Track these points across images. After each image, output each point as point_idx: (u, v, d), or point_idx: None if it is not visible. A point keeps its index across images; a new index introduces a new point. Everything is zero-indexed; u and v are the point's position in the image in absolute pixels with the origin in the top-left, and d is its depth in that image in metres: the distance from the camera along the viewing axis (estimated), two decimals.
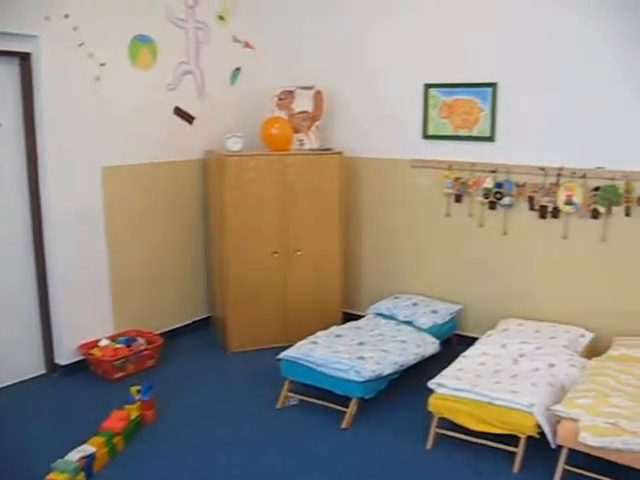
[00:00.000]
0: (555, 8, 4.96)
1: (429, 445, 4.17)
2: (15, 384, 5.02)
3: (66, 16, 4.80)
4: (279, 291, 5.78)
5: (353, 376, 4.38)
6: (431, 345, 5.03)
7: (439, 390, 4.16)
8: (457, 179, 5.54)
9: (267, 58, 6.37)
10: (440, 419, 4.17)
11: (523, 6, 5.09)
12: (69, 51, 4.87)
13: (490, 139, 5.38)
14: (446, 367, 4.43)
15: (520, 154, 5.25)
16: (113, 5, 5.12)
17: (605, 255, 5.04)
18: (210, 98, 6.01)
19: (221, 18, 6.00)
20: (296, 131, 5.87)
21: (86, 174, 5.15)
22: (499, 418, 3.92)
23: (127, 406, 4.40)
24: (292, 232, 5.71)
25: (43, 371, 5.23)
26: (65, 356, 5.22)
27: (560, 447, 3.74)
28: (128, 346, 5.30)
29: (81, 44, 4.92)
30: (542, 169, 5.13)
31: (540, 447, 3.89)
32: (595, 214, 4.99)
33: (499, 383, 4.12)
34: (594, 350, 4.88)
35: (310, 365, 4.59)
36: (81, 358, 5.25)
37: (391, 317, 5.47)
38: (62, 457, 3.83)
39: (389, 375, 4.57)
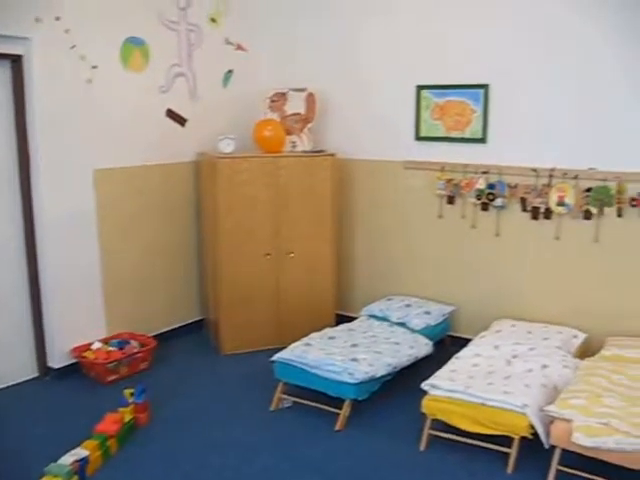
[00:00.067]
0: (548, 10, 4.97)
1: (422, 447, 4.18)
2: (7, 387, 5.00)
3: (57, 18, 4.79)
4: (272, 293, 5.77)
5: (346, 378, 4.38)
6: (424, 346, 5.03)
7: (432, 391, 4.17)
8: (449, 180, 5.55)
9: (259, 60, 6.37)
10: (433, 420, 4.17)
11: (516, 8, 5.11)
12: (61, 53, 4.86)
13: (482, 140, 5.40)
14: (439, 368, 4.43)
15: (512, 155, 5.26)
16: (105, 7, 5.12)
17: (597, 256, 5.06)
18: (202, 100, 6.00)
19: (213, 20, 5.99)
20: (288, 133, 5.87)
21: (78, 176, 5.13)
22: (492, 419, 3.93)
23: (120, 409, 4.39)
24: (285, 234, 5.71)
25: (36, 374, 5.22)
26: (58, 359, 5.21)
27: (553, 447, 3.75)
28: (121, 349, 5.29)
29: (73, 46, 4.91)
30: (534, 170, 5.15)
31: (533, 448, 3.90)
32: (587, 215, 5.00)
33: (492, 384, 4.13)
34: (587, 350, 4.90)
35: (303, 367, 4.59)
36: (74, 361, 5.24)
37: (384, 319, 5.48)
38: (55, 461, 3.82)
39: (382, 377, 4.58)
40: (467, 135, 5.47)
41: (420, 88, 5.62)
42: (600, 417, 3.59)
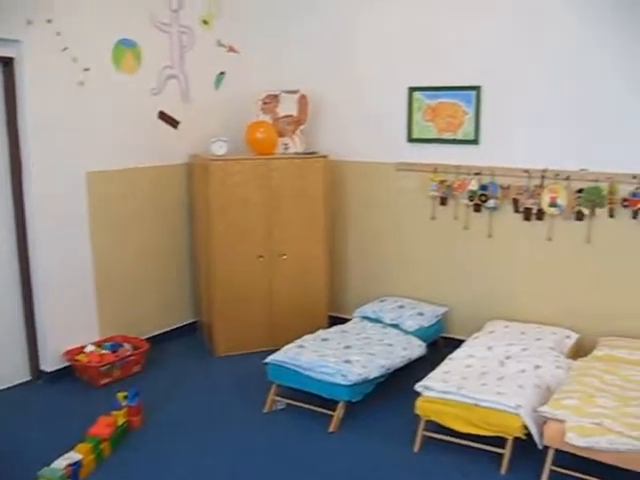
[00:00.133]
0: (541, 11, 4.99)
1: (416, 448, 4.18)
2: (0, 391, 4.99)
3: (49, 21, 4.78)
4: (265, 295, 5.77)
5: (340, 380, 4.38)
6: (417, 348, 5.03)
7: (426, 393, 4.17)
8: (442, 182, 5.56)
9: (251, 62, 6.36)
10: (427, 422, 4.18)
11: (508, 10, 5.12)
12: (53, 56, 4.85)
13: (474, 142, 5.41)
14: (433, 370, 4.44)
15: (504, 157, 5.28)
16: (96, 10, 5.11)
17: (589, 256, 5.07)
18: (194, 102, 6.00)
19: (205, 22, 5.99)
20: (281, 135, 5.87)
21: (70, 179, 5.12)
22: (486, 420, 3.93)
23: (114, 412, 4.38)
24: (277, 236, 5.71)
25: (28, 378, 5.19)
26: (50, 362, 5.19)
27: (547, 448, 3.76)
28: (114, 352, 5.28)
29: (65, 49, 4.90)
30: (526, 171, 5.16)
31: (527, 448, 3.91)
32: (579, 216, 5.02)
33: (486, 385, 4.13)
34: (579, 351, 4.92)
35: (297, 369, 4.58)
36: (67, 364, 5.22)
37: (377, 320, 5.48)
38: (48, 465, 3.81)
39: (376, 378, 4.58)
40: (459, 137, 5.48)
41: (412, 90, 5.62)
42: (593, 417, 3.61)
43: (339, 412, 4.46)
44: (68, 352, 5.21)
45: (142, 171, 5.64)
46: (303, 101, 5.92)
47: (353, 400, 4.47)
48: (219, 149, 5.54)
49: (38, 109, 4.84)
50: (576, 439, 3.52)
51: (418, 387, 4.22)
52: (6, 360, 5.05)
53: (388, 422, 4.54)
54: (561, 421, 3.64)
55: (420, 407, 4.17)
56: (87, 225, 5.28)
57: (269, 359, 4.75)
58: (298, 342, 4.96)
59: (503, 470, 3.90)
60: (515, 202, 5.28)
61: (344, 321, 5.69)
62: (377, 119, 5.86)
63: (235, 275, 5.63)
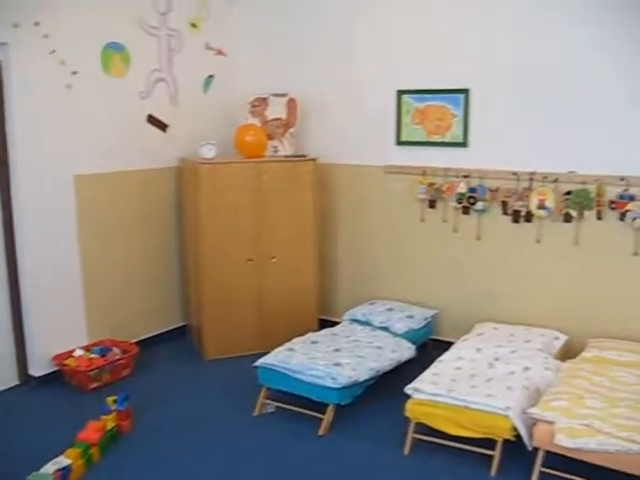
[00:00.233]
0: (528, 14, 5.01)
1: (406, 450, 4.18)
2: None
3: (36, 24, 4.76)
4: (255, 298, 5.76)
5: (330, 383, 4.38)
6: (407, 350, 5.04)
7: (416, 395, 4.17)
8: (431, 185, 5.57)
9: (240, 65, 6.36)
10: (417, 424, 4.18)
11: (497, 13, 5.14)
12: (40, 59, 4.84)
13: (463, 145, 5.42)
14: (422, 372, 4.44)
15: (493, 159, 5.29)
16: (84, 13, 5.09)
17: (578, 258, 5.10)
18: (183, 106, 5.99)
19: (193, 25, 5.98)
20: (270, 138, 5.87)
21: (58, 182, 5.10)
22: (476, 422, 3.94)
23: (103, 416, 4.36)
24: (267, 239, 5.70)
25: (16, 382, 5.16)
26: (39, 367, 5.16)
27: (536, 449, 3.77)
28: (103, 356, 5.26)
29: (52, 51, 4.89)
30: (515, 174, 5.18)
31: (517, 450, 3.92)
32: (567, 218, 5.04)
33: (475, 387, 4.14)
34: (568, 352, 4.94)
35: (287, 372, 4.58)
36: (55, 369, 5.20)
37: (367, 323, 5.48)
38: (37, 470, 3.79)
39: (365, 381, 4.58)
40: (448, 139, 5.49)
41: (401, 93, 5.64)
42: (582, 418, 3.63)
43: (329, 415, 4.46)
44: (57, 356, 5.19)
45: (131, 174, 5.62)
46: (292, 104, 5.92)
47: (343, 403, 4.47)
48: (208, 152, 5.53)
49: (26, 112, 4.82)
50: (565, 440, 3.54)
51: (408, 389, 4.22)
52: None
53: (378, 425, 4.55)
54: (550, 422, 3.66)
55: (410, 409, 4.17)
56: (75, 228, 5.26)
57: (259, 362, 4.74)
58: (288, 345, 4.95)
59: (493, 472, 3.91)
60: (504, 204, 5.29)
61: (334, 324, 5.69)
62: (366, 122, 5.87)
63: (225, 278, 5.62)
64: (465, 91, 5.33)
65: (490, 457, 3.95)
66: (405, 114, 5.65)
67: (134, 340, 5.67)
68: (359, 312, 5.62)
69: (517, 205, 5.23)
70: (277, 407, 4.74)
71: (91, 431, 4.18)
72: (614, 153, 4.84)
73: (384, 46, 5.67)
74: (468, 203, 5.42)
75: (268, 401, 4.76)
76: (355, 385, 4.49)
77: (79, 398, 4.97)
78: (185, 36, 5.92)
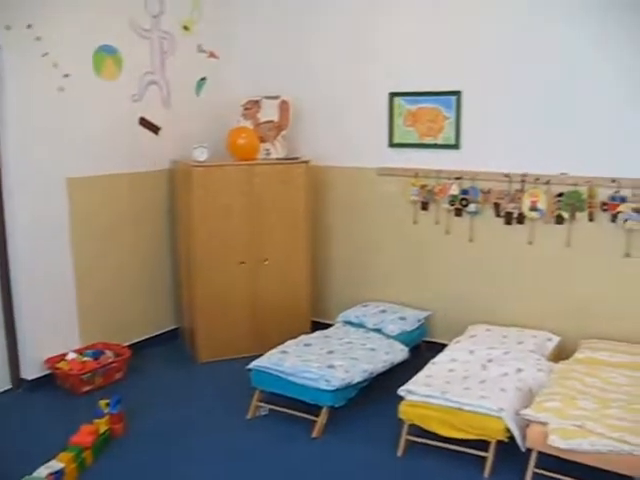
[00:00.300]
0: (519, 16, 5.03)
1: (400, 452, 4.18)
2: None
3: (29, 26, 4.75)
4: (248, 301, 5.76)
5: (323, 385, 4.38)
6: (400, 352, 5.04)
7: (409, 397, 4.18)
8: (423, 187, 5.58)
9: (232, 68, 6.36)
10: (410, 426, 4.18)
11: (488, 15, 5.15)
12: (33, 61, 4.82)
13: (455, 147, 5.43)
14: (415, 374, 4.44)
15: (485, 161, 5.30)
16: (77, 15, 5.08)
17: (570, 260, 5.11)
18: (175, 108, 5.98)
19: (186, 28, 5.98)
20: (262, 141, 5.86)
21: (51, 185, 5.08)
22: (469, 423, 3.95)
23: (96, 420, 4.34)
24: (259, 241, 5.70)
25: (9, 386, 5.14)
26: (31, 371, 5.14)
27: (530, 450, 3.78)
28: (96, 359, 5.24)
29: (45, 54, 4.88)
30: (507, 176, 5.20)
31: (510, 451, 3.93)
32: (559, 220, 5.06)
33: (468, 389, 4.15)
34: (561, 353, 4.94)
35: (280, 374, 4.58)
36: (48, 372, 5.18)
37: (360, 325, 5.48)
38: (30, 474, 3.77)
39: (359, 383, 4.58)
40: (440, 141, 5.50)
41: (393, 95, 5.65)
42: (575, 419, 3.64)
43: (322, 417, 4.46)
44: (49, 360, 5.17)
45: (123, 177, 5.61)
46: (284, 106, 5.92)
47: (336, 405, 4.47)
48: (200, 155, 5.52)
49: (17, 115, 4.81)
50: (558, 441, 3.54)
51: (401, 391, 4.23)
52: None
53: (371, 427, 4.55)
54: (543, 424, 3.67)
55: (403, 411, 4.17)
56: (68, 231, 5.24)
57: (252, 365, 4.74)
58: (281, 348, 4.95)
59: (486, 473, 3.92)
60: (496, 206, 5.31)
61: (327, 326, 5.69)
62: (358, 124, 5.87)
63: (217, 281, 5.62)
64: (457, 93, 5.34)
65: (483, 458, 3.95)
66: (397, 116, 5.66)
67: (127, 343, 5.66)
68: (352, 314, 5.62)
69: (509, 207, 5.24)
70: (270, 410, 4.73)
71: (84, 435, 4.16)
72: (605, 155, 4.85)
73: (376, 48, 5.68)
74: (460, 205, 5.43)
75: (261, 404, 4.76)
76: (348, 387, 4.49)
77: (72, 401, 4.95)
78: (177, 39, 5.91)
